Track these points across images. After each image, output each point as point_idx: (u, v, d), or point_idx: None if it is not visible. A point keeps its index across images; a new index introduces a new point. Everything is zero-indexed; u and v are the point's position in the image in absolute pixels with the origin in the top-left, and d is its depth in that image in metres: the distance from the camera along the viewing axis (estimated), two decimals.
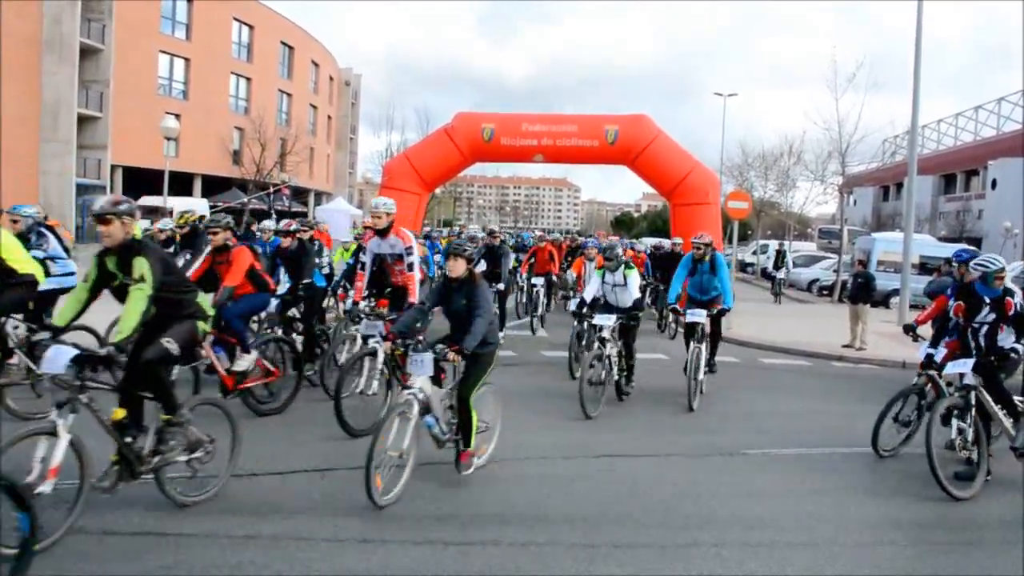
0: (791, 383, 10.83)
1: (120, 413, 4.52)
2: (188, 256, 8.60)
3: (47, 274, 7.86)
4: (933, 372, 6.64)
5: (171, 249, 9.55)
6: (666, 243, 21.84)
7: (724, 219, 22.10)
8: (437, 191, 38.86)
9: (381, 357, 6.74)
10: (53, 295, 7.12)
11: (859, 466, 6.61)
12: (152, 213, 20.74)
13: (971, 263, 6.61)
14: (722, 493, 5.67)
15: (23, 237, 7.81)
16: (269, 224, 11.67)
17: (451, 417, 5.54)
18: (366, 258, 7.79)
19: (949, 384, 6.66)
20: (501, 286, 11.86)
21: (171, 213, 18.44)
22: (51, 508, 4.05)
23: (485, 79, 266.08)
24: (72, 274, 7.52)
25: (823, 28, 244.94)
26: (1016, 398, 6.30)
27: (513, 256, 20.31)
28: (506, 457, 6.24)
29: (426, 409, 5.23)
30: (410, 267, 7.49)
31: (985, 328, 6.33)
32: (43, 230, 8.03)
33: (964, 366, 6.14)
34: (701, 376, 8.59)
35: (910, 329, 7.53)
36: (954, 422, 6.03)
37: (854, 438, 7.18)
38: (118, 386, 4.63)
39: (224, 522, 4.63)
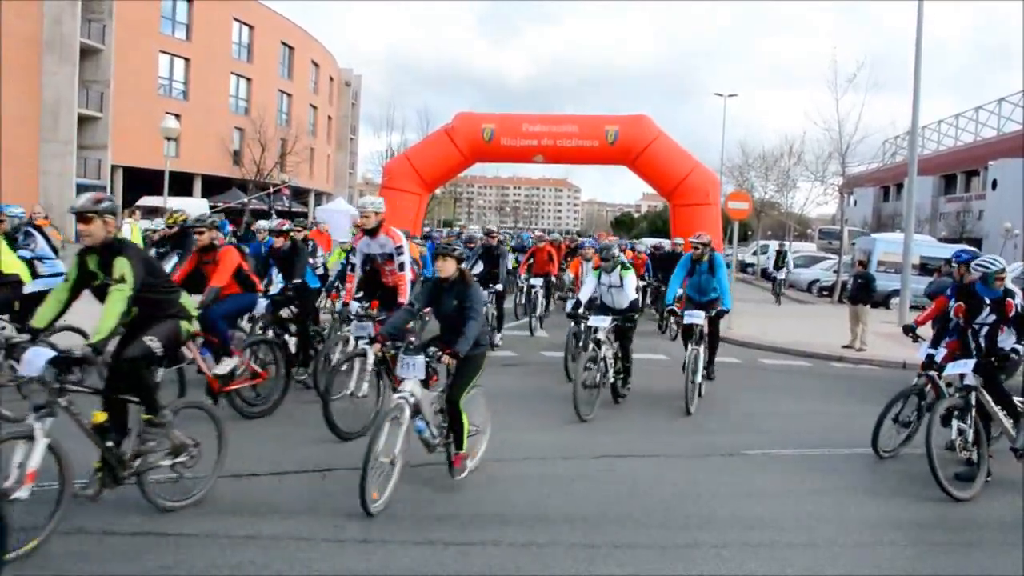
0: (791, 384, 10.83)
1: (101, 416, 4.42)
2: (178, 256, 8.53)
3: (35, 274, 7.83)
4: (933, 373, 6.64)
5: (163, 249, 9.49)
6: (666, 243, 21.84)
7: (724, 220, 22.09)
8: (437, 191, 38.88)
9: (371, 359, 6.61)
10: (41, 296, 7.06)
11: (859, 466, 6.61)
12: (152, 213, 20.76)
13: (972, 264, 6.61)
14: (722, 493, 5.67)
15: (10, 237, 7.78)
16: (264, 224, 11.62)
17: (441, 421, 5.43)
18: (356, 259, 7.73)
19: (949, 385, 6.65)
20: (499, 287, 11.75)
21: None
22: (30, 513, 3.93)
23: (485, 79, 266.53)
24: (61, 274, 7.43)
25: (823, 28, 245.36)
26: (1016, 399, 6.30)
27: (512, 257, 20.34)
28: (506, 457, 6.24)
29: (416, 412, 5.13)
30: (401, 267, 7.37)
31: (985, 329, 6.33)
32: (31, 229, 7.99)
33: (965, 367, 6.14)
34: (699, 379, 8.45)
35: (910, 330, 7.53)
36: (954, 423, 6.02)
37: (854, 439, 7.18)
38: (101, 389, 4.53)
39: (224, 522, 4.63)
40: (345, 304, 7.61)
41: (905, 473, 6.36)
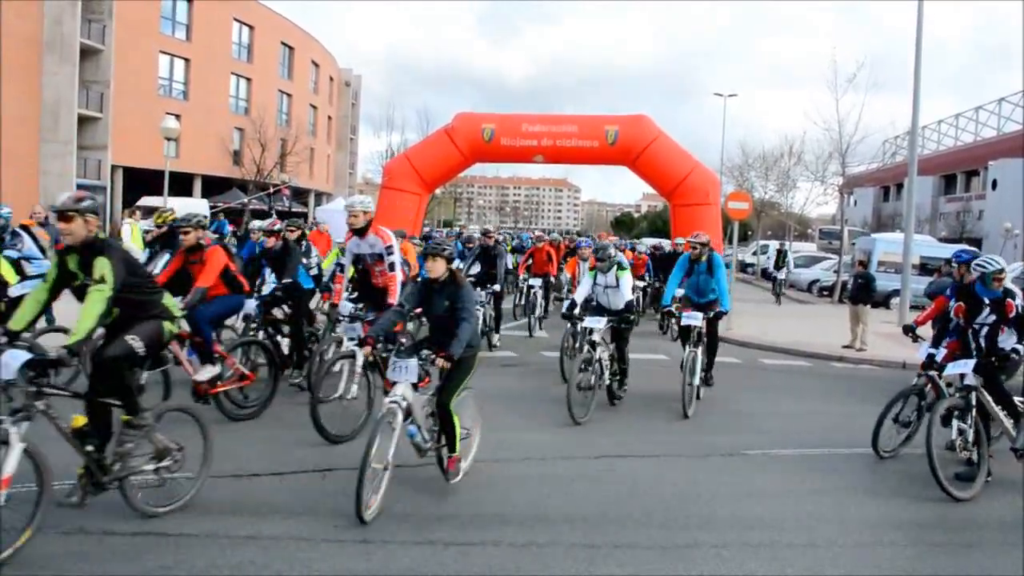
0: (791, 384, 10.83)
1: (80, 420, 4.30)
2: (169, 255, 8.44)
3: (22, 274, 7.77)
4: (933, 373, 6.64)
5: (154, 248, 9.40)
6: (665, 244, 21.85)
7: (724, 220, 22.10)
8: (437, 192, 38.88)
9: (360, 360, 6.49)
10: None
11: (859, 466, 6.61)
12: (152, 214, 20.73)
13: (972, 264, 6.61)
14: (722, 493, 5.67)
15: None
16: (258, 224, 11.56)
17: (432, 424, 5.33)
18: (345, 259, 7.62)
19: (949, 385, 6.66)
20: (497, 287, 11.64)
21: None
22: (8, 518, 3.86)
23: (485, 79, 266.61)
24: None
25: (823, 28, 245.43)
26: (1016, 399, 6.30)
27: (512, 258, 20.30)
28: (506, 457, 6.25)
29: (408, 416, 5.03)
30: (391, 267, 7.25)
31: (986, 329, 6.33)
32: (18, 230, 7.95)
33: (965, 367, 6.14)
34: (696, 381, 8.30)
35: (910, 330, 7.53)
36: (954, 423, 6.02)
37: (854, 439, 7.18)
38: (82, 393, 4.43)
39: (224, 522, 4.63)
40: (333, 305, 7.47)
41: (905, 473, 6.36)
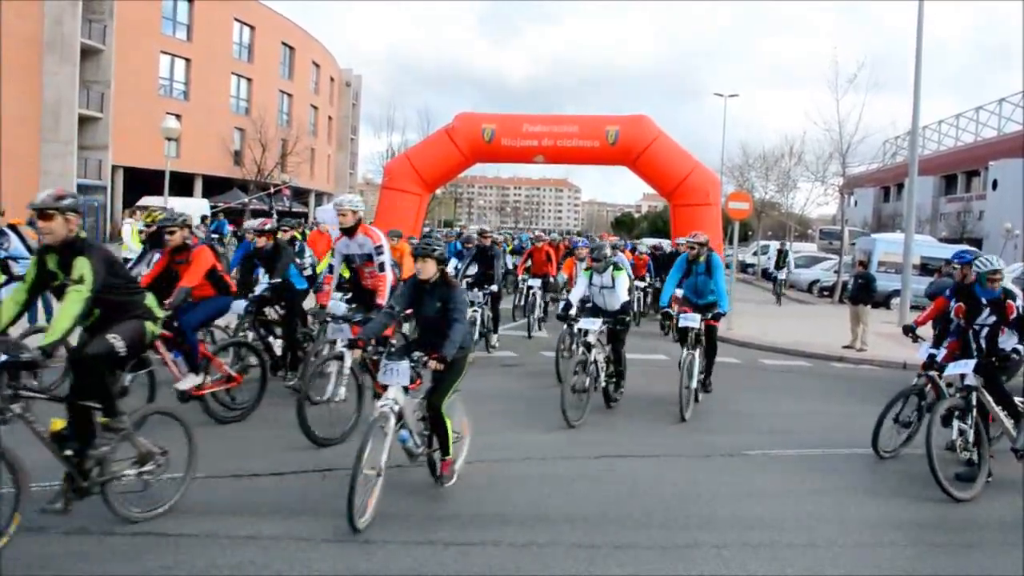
0: (792, 384, 10.83)
1: (59, 424, 4.20)
2: (157, 256, 8.37)
3: (8, 274, 7.71)
4: (934, 373, 6.64)
5: (145, 247, 9.34)
6: (666, 244, 21.84)
7: (725, 220, 22.08)
8: (438, 192, 38.87)
9: (348, 361, 6.34)
10: None
11: (859, 466, 6.61)
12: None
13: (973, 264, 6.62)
14: (723, 494, 5.67)
15: None
16: (252, 224, 11.52)
17: (423, 428, 5.23)
18: (334, 260, 7.51)
19: (949, 385, 6.65)
20: (494, 288, 11.51)
21: None
22: None
23: (486, 79, 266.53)
24: None
25: (823, 28, 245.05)
26: (1017, 399, 6.30)
27: (511, 259, 20.27)
28: (506, 457, 6.25)
29: (400, 420, 4.92)
30: (380, 267, 7.14)
31: (986, 330, 6.33)
32: (5, 229, 7.91)
33: (966, 367, 6.14)
34: (694, 384, 8.11)
35: (910, 330, 7.52)
36: (955, 423, 6.02)
37: (854, 439, 7.17)
38: (63, 396, 4.32)
39: (224, 522, 4.63)
40: (322, 307, 7.37)
41: (905, 473, 6.36)
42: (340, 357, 6.47)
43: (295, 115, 47.91)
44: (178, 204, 24.75)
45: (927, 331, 7.70)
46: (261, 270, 8.29)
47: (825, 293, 26.48)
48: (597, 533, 4.78)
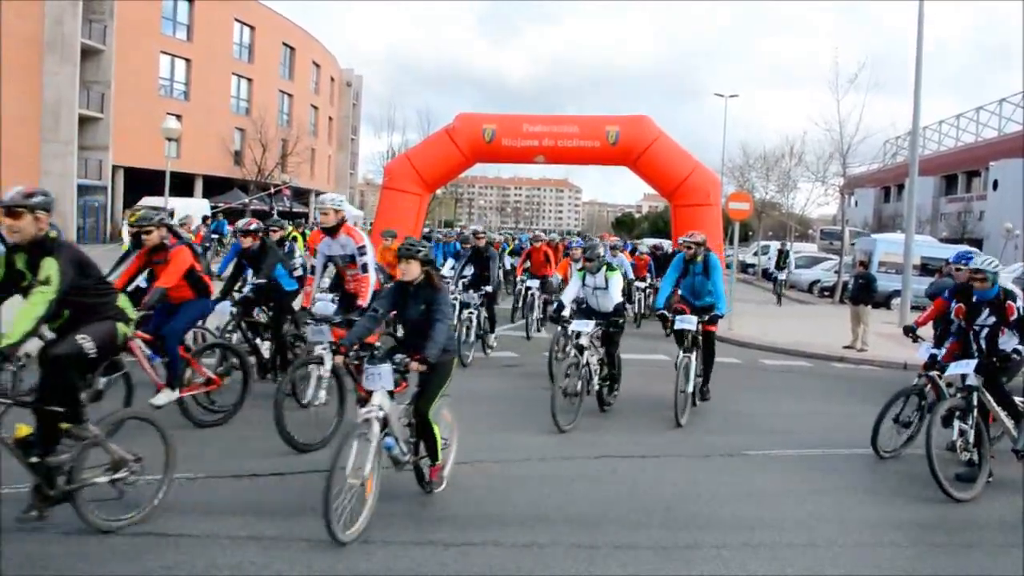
0: (792, 384, 10.83)
1: (25, 430, 4.05)
2: None
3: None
4: (934, 373, 6.64)
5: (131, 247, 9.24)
6: (666, 244, 21.84)
7: (725, 220, 22.06)
8: (438, 192, 38.88)
9: (328, 364, 6.12)
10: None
11: (859, 466, 6.61)
12: None
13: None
14: (723, 494, 5.67)
15: None
16: (238, 224, 11.41)
17: (409, 435, 5.07)
18: (316, 261, 7.38)
19: (949, 385, 6.65)
20: (489, 288, 11.31)
21: (171, 214, 18.40)
22: None
23: (486, 79, 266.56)
24: None
25: (823, 28, 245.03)
26: (1017, 399, 6.30)
27: (510, 259, 20.23)
28: (506, 457, 6.25)
29: (385, 427, 4.73)
30: (363, 268, 7.00)
31: (986, 331, 6.32)
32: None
33: (966, 367, 6.13)
34: (690, 388, 7.84)
35: (910, 330, 7.52)
36: (955, 423, 6.01)
37: (854, 439, 7.17)
38: (30, 401, 4.14)
39: (224, 522, 4.63)
40: (304, 308, 7.15)
41: (905, 473, 6.36)
42: (320, 360, 6.27)
43: (295, 115, 47.93)
44: (179, 204, 24.81)
45: (927, 332, 7.69)
46: (250, 271, 8.12)
47: (826, 293, 26.49)
48: (597, 533, 4.77)
